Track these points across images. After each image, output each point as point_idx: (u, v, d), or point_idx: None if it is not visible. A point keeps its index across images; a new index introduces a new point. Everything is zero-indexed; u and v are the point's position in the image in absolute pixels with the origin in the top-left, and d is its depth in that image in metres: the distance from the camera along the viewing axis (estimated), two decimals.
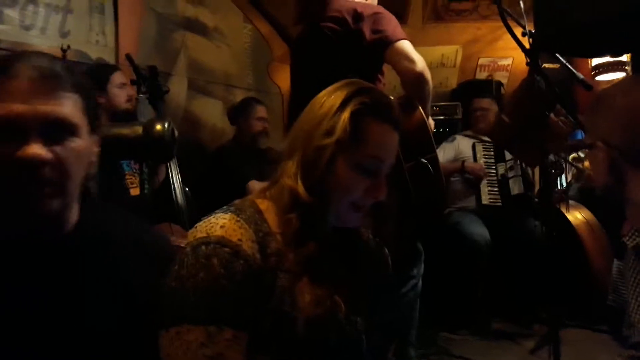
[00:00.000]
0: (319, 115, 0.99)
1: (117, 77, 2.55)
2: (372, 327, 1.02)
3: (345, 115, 0.97)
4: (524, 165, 3.47)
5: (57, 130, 0.83)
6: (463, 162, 3.48)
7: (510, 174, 3.50)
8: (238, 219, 0.93)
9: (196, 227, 0.95)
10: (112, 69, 2.64)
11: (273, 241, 0.95)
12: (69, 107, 0.85)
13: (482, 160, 3.56)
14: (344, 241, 1.06)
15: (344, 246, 1.06)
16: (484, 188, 3.49)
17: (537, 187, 3.54)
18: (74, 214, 0.92)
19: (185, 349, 0.84)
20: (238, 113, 3.37)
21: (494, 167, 3.55)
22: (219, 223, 0.92)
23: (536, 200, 3.45)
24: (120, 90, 2.53)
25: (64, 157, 0.83)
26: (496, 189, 3.51)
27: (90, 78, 2.61)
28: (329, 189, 0.97)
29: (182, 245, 1.01)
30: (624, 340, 1.13)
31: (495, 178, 3.52)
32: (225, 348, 0.85)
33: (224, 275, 0.87)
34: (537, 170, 3.33)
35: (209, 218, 0.95)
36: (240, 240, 0.90)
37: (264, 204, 1.01)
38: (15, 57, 0.85)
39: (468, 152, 3.58)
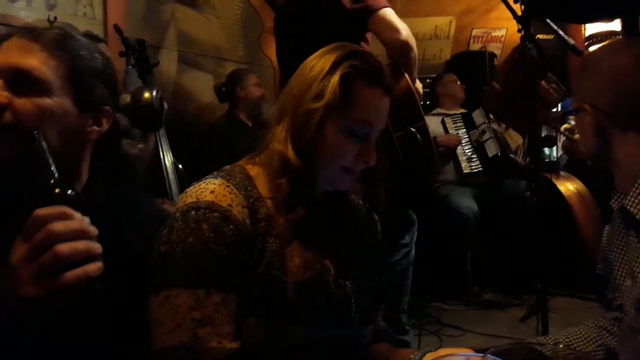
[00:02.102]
0: (308, 79, 0.98)
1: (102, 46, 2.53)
2: (361, 292, 1.03)
3: (335, 78, 0.96)
4: (495, 125, 3.53)
5: (20, 82, 0.85)
6: (434, 137, 3.53)
7: (484, 138, 3.59)
8: (228, 184, 0.93)
9: (186, 192, 0.95)
10: (96, 40, 2.60)
11: (263, 206, 0.95)
12: (39, 62, 0.86)
13: (454, 132, 3.65)
14: (334, 206, 1.06)
15: (334, 211, 1.06)
16: (462, 157, 3.58)
17: (517, 148, 3.60)
18: (72, 180, 0.93)
19: (174, 312, 0.85)
20: (232, 84, 3.33)
21: (467, 135, 3.65)
22: (209, 188, 0.92)
23: (513, 157, 3.51)
24: None
25: (22, 109, 0.84)
26: (474, 156, 3.59)
27: None
28: (318, 154, 0.97)
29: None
30: (609, 303, 1.15)
31: (470, 146, 3.61)
32: (214, 311, 0.86)
33: (213, 240, 0.87)
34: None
35: (199, 183, 0.95)
36: (230, 205, 0.90)
37: (253, 170, 1.01)
38: (23, 27, 0.90)
39: (439, 129, 3.67)
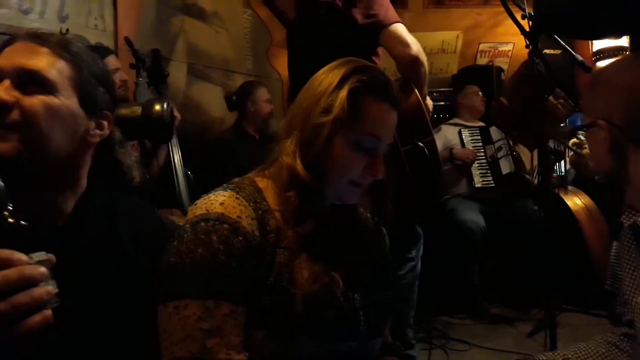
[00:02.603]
0: (317, 93, 0.99)
1: (110, 61, 2.55)
2: (369, 305, 1.03)
3: (344, 92, 0.97)
4: (511, 143, 3.51)
5: (27, 81, 0.86)
6: (451, 149, 3.53)
7: (499, 154, 3.56)
8: (237, 196, 0.94)
9: (196, 204, 0.95)
10: (106, 52, 2.63)
11: (272, 218, 0.95)
12: (46, 64, 0.88)
13: (470, 145, 3.62)
14: (342, 219, 1.07)
15: (342, 224, 1.07)
16: (476, 171, 3.56)
17: (528, 166, 3.58)
18: (74, 196, 0.93)
19: (183, 323, 0.85)
20: (243, 97, 3.35)
21: (482, 150, 3.62)
22: (219, 200, 0.93)
23: (534, 181, 3.48)
24: (115, 75, 2.54)
25: (29, 108, 0.85)
26: (487, 171, 3.56)
27: None
28: (327, 167, 0.98)
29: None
30: (618, 318, 1.14)
31: (485, 160, 3.59)
32: (223, 322, 0.86)
33: (223, 251, 0.87)
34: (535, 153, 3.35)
35: (209, 195, 0.96)
36: (239, 217, 0.91)
37: (263, 182, 1.01)
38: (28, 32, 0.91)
39: (455, 140, 3.64)
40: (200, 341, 0.84)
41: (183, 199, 2.43)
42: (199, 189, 2.59)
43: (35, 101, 0.85)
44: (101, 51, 2.65)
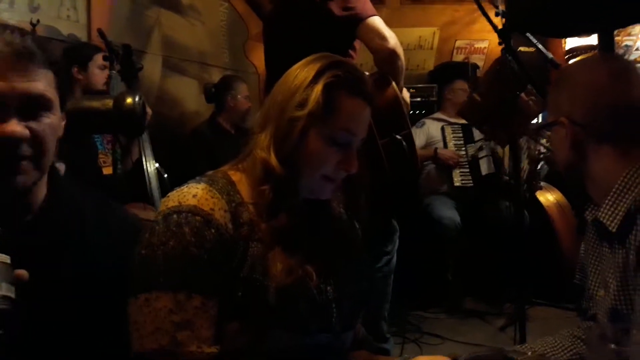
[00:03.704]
0: (292, 88, 0.99)
1: (100, 58, 2.55)
2: (342, 298, 1.04)
3: (318, 87, 0.97)
4: (493, 144, 3.54)
5: (33, 107, 0.84)
6: (435, 149, 3.55)
7: (480, 154, 3.58)
8: (211, 188, 0.94)
9: (168, 196, 0.96)
10: (96, 49, 2.61)
11: (245, 211, 0.96)
12: (43, 83, 0.86)
13: (451, 143, 3.63)
14: (316, 212, 1.07)
15: (316, 217, 1.07)
16: (456, 170, 3.57)
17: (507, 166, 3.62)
18: (42, 190, 0.92)
19: (154, 315, 0.85)
20: (223, 90, 3.34)
21: (463, 148, 3.62)
22: (192, 192, 0.93)
23: (506, 178, 3.52)
24: (101, 72, 2.55)
25: (40, 133, 0.85)
26: (467, 170, 3.58)
27: (73, 53, 2.56)
28: (301, 161, 0.98)
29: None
30: (584, 313, 1.17)
31: (465, 160, 3.59)
32: (194, 315, 0.86)
33: (195, 243, 0.87)
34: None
35: (182, 188, 0.96)
36: (212, 209, 0.91)
37: (236, 175, 1.01)
38: None
39: (438, 136, 3.65)
40: (171, 334, 0.84)
41: (154, 195, 2.41)
42: (171, 183, 2.57)
43: (42, 126, 0.85)
44: (91, 47, 2.63)
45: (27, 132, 0.82)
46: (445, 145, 3.62)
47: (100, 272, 0.92)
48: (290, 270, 0.94)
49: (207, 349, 0.86)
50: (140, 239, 0.91)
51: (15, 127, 0.81)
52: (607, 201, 1.01)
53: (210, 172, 1.03)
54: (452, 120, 3.72)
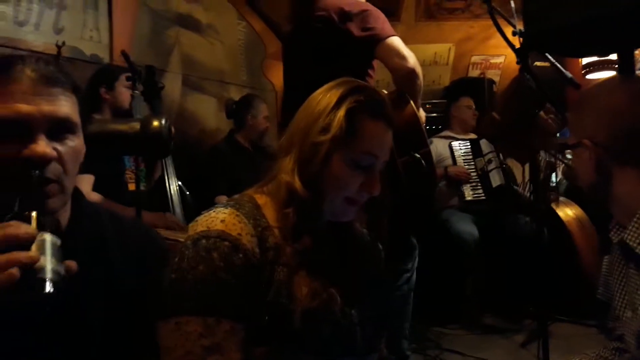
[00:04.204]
0: (315, 113, 1.02)
1: (124, 80, 2.60)
2: (366, 320, 1.05)
3: (341, 112, 0.99)
4: (501, 156, 3.55)
5: (59, 130, 0.87)
6: (446, 168, 3.57)
7: (489, 167, 3.59)
8: (238, 213, 0.96)
9: (196, 220, 0.97)
10: (122, 70, 2.68)
11: (271, 235, 0.97)
12: (69, 107, 0.89)
13: (460, 159, 3.65)
14: (339, 235, 1.09)
15: (339, 240, 1.09)
16: (466, 184, 3.58)
17: (520, 179, 3.61)
18: (67, 213, 0.94)
19: (184, 339, 0.86)
20: (243, 108, 3.39)
21: (472, 162, 3.64)
22: (219, 217, 0.94)
23: (526, 194, 3.50)
24: (128, 91, 2.59)
25: (65, 155, 0.87)
26: (478, 184, 3.59)
27: (100, 75, 2.62)
28: (324, 184, 1.00)
29: (180, 239, 1.03)
30: (609, 332, 1.16)
31: (475, 173, 3.61)
32: (223, 339, 0.87)
33: (223, 268, 0.89)
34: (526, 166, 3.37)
35: (209, 212, 0.97)
36: (239, 234, 0.93)
37: (262, 199, 1.03)
38: (13, 59, 0.88)
39: (446, 153, 3.67)
40: (201, 357, 0.85)
41: (176, 211, 2.45)
42: (192, 202, 2.61)
43: (67, 149, 0.88)
44: (118, 68, 2.70)
45: (54, 153, 0.85)
46: (454, 162, 3.63)
47: (124, 291, 0.95)
48: (315, 294, 0.95)
49: None
50: (170, 263, 0.93)
51: (45, 147, 0.83)
52: (633, 223, 1.01)
53: (236, 196, 1.05)
54: (460, 136, 3.75)
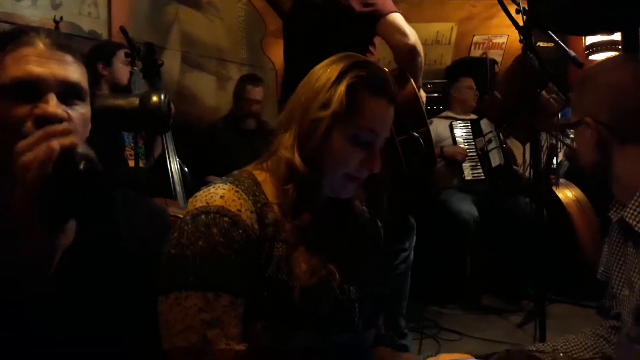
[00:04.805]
0: (315, 88, 1.00)
1: (123, 54, 2.58)
2: (364, 297, 1.05)
3: (342, 88, 0.98)
4: (501, 135, 3.55)
5: (70, 94, 0.88)
6: (442, 148, 3.56)
7: (489, 147, 3.59)
8: (237, 189, 0.95)
9: (196, 196, 0.97)
10: (119, 46, 2.66)
11: (270, 212, 0.97)
12: (79, 74, 0.91)
13: (461, 139, 3.65)
14: (339, 212, 1.09)
15: (339, 217, 1.08)
16: (466, 164, 3.59)
17: (520, 160, 3.61)
18: None
19: (184, 314, 0.87)
20: (235, 89, 3.41)
21: (472, 142, 3.64)
22: (219, 193, 0.94)
23: (526, 175, 3.50)
24: (125, 67, 2.58)
25: (75, 119, 0.88)
26: (477, 164, 3.59)
27: (97, 51, 2.62)
28: (324, 161, 0.99)
29: (179, 215, 1.03)
30: (607, 311, 1.17)
31: (475, 153, 3.61)
32: (223, 313, 0.88)
33: (223, 244, 0.89)
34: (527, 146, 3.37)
35: (209, 188, 0.97)
36: (239, 210, 0.92)
37: (261, 175, 1.02)
38: (27, 27, 0.91)
39: (446, 134, 3.67)
40: (201, 332, 0.86)
41: (177, 190, 2.44)
42: (194, 181, 2.61)
43: (77, 114, 0.89)
44: (114, 46, 2.67)
45: (65, 114, 0.86)
46: (454, 142, 3.64)
47: (130, 263, 0.95)
48: (314, 270, 0.95)
49: (236, 346, 0.88)
50: (169, 238, 0.93)
51: (57, 108, 0.84)
52: (633, 201, 1.01)
53: (235, 172, 1.04)
54: (460, 117, 3.74)
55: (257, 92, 3.36)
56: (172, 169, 2.32)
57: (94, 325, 0.87)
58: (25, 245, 0.79)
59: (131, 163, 2.60)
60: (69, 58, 0.89)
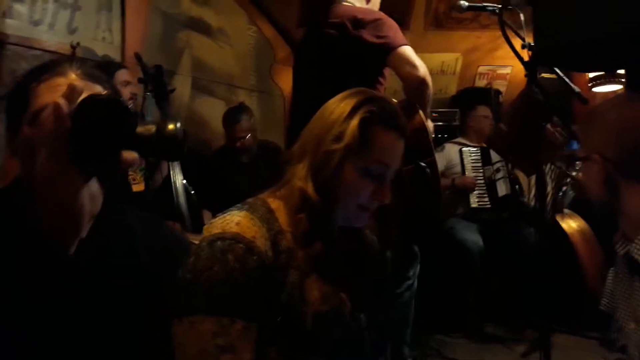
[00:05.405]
0: (329, 122, 1.04)
1: (122, 75, 2.61)
2: (373, 325, 1.07)
3: (355, 122, 1.02)
4: (510, 166, 3.57)
5: None
6: (453, 179, 3.58)
7: (497, 176, 3.60)
8: (252, 216, 0.98)
9: (212, 223, 1.00)
10: (117, 66, 2.69)
11: (284, 239, 1.00)
12: None
13: (469, 166, 3.66)
14: (350, 241, 1.11)
15: (350, 246, 1.11)
16: (472, 192, 3.59)
17: (527, 191, 3.63)
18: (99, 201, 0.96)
19: (198, 338, 0.89)
20: (225, 120, 3.26)
21: (481, 170, 3.65)
22: (234, 220, 0.97)
23: (524, 200, 3.53)
24: (123, 88, 2.58)
25: None
26: (485, 192, 3.60)
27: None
28: (337, 192, 1.02)
29: (194, 241, 1.06)
30: (612, 343, 1.18)
31: (482, 182, 3.62)
32: (236, 339, 0.90)
33: (238, 270, 0.91)
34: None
35: (224, 215, 1.00)
36: (254, 237, 0.95)
37: (275, 203, 1.05)
38: (61, 59, 0.99)
39: (456, 159, 3.68)
40: (215, 356, 0.88)
41: (182, 212, 2.47)
42: (199, 203, 2.63)
43: None
44: (113, 66, 2.72)
45: None
46: (463, 168, 3.65)
47: (148, 284, 0.96)
48: (326, 297, 0.97)
49: None
50: (185, 264, 0.95)
51: None
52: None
53: (250, 200, 1.07)
54: (472, 144, 3.76)
55: (238, 129, 3.15)
56: (177, 192, 2.34)
57: (102, 325, 0.89)
58: (53, 198, 0.76)
59: (135, 187, 2.62)
60: (98, 88, 0.93)
